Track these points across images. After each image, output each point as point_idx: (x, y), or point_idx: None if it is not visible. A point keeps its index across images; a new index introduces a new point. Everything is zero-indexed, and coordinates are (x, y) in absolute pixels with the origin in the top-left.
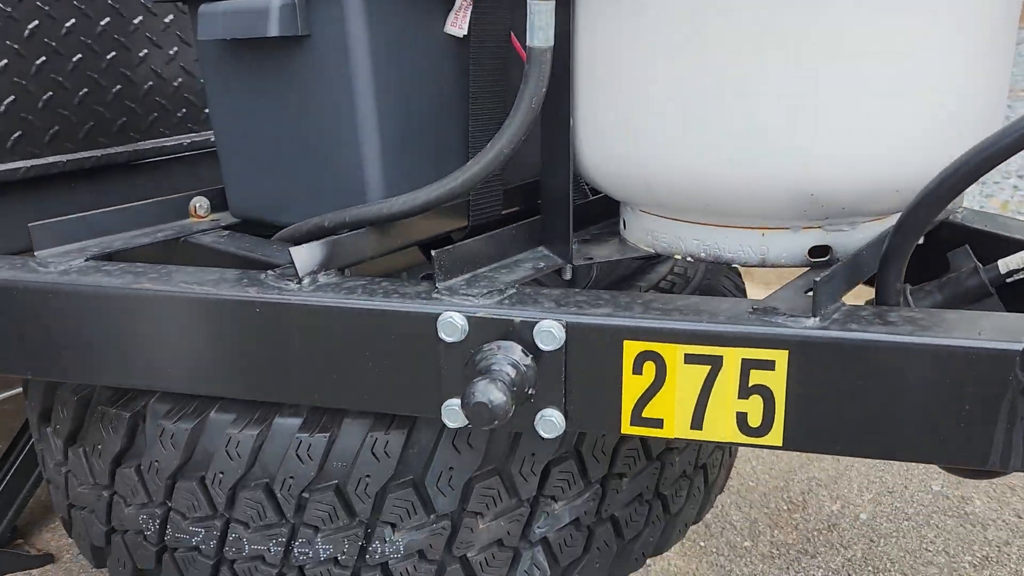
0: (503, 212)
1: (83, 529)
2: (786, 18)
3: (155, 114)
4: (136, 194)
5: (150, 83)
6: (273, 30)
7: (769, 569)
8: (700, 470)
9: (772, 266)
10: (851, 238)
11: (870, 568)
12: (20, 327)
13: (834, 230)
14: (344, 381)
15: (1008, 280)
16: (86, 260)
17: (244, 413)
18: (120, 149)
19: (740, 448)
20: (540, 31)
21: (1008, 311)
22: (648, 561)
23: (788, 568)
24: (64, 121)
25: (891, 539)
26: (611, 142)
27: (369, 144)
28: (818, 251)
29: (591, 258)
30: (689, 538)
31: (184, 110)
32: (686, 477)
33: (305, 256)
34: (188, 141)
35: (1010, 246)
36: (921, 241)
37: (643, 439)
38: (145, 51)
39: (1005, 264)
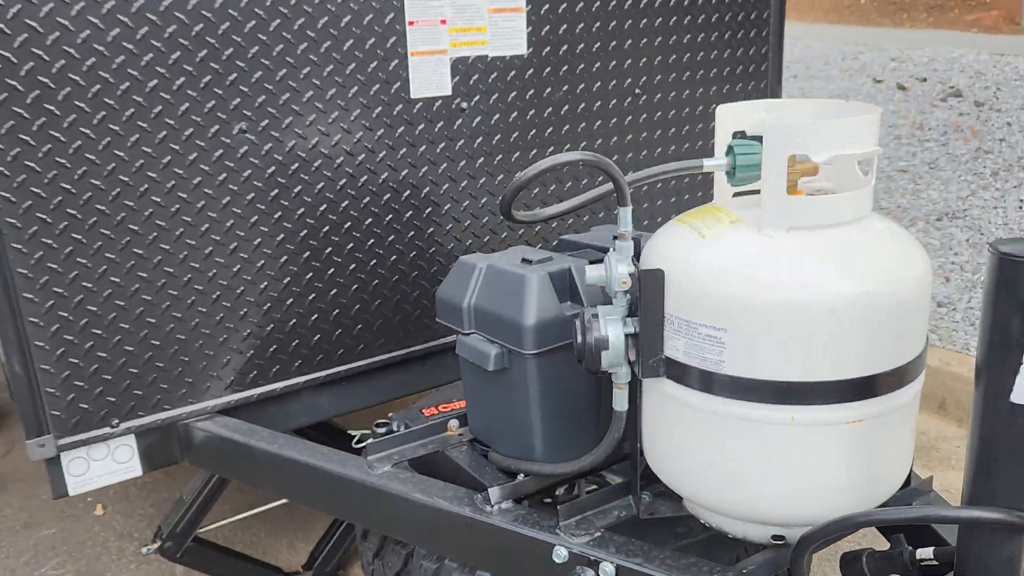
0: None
1: None
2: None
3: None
4: (411, 381)
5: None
6: (490, 366)
7: None
8: None
9: (751, 540)
10: (799, 532)
11: None
12: (359, 501)
13: (786, 530)
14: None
15: (922, 564)
16: (392, 466)
17: (460, 566)
18: (413, 348)
19: None
20: (620, 397)
21: None
22: None
23: None
24: (358, 324)
25: None
26: (659, 463)
27: (536, 428)
28: (778, 537)
29: (652, 513)
30: None
31: None
32: None
33: (496, 493)
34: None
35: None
36: None
37: None
38: None
39: (919, 553)
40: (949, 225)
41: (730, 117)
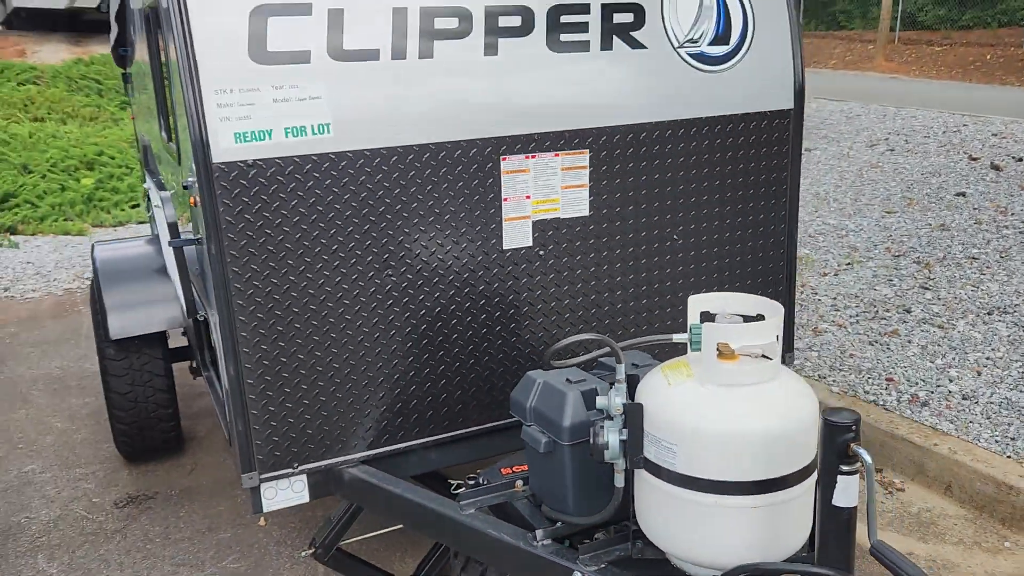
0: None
1: None
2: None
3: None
4: (495, 445)
5: None
6: (541, 450)
7: None
8: None
9: None
10: None
11: None
12: (453, 532)
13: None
14: None
15: None
16: (476, 509)
17: None
18: (497, 422)
19: None
20: (618, 478)
21: None
22: None
23: None
24: (459, 403)
25: None
26: (643, 523)
27: (569, 492)
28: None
29: (642, 555)
30: None
31: None
32: None
33: (541, 534)
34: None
35: None
36: None
37: None
38: None
39: None
40: (996, 320)
41: (697, 305)
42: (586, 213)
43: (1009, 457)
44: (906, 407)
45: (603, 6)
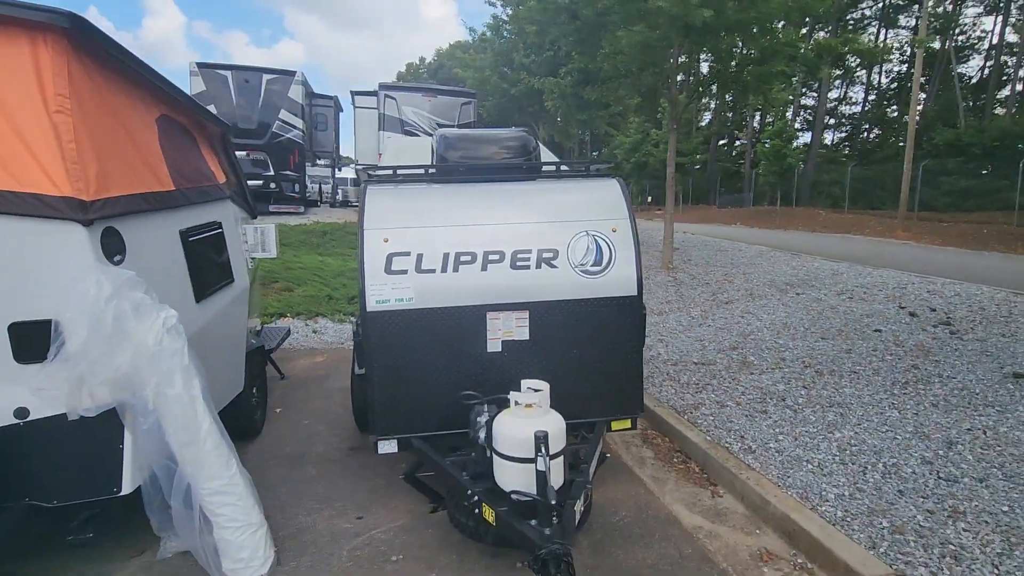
0: None
1: None
2: None
3: None
4: None
5: None
6: (471, 438)
7: None
8: None
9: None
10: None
11: None
12: (446, 473)
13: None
14: None
15: None
16: (452, 461)
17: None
18: None
19: None
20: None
21: None
22: None
23: None
24: (465, 417)
25: None
26: (496, 477)
27: (481, 457)
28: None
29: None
30: None
31: None
32: None
33: (466, 474)
34: None
35: None
36: None
37: None
38: None
39: None
40: (830, 410)
41: (525, 384)
42: (527, 338)
43: (776, 484)
44: (739, 452)
45: (538, 250)
